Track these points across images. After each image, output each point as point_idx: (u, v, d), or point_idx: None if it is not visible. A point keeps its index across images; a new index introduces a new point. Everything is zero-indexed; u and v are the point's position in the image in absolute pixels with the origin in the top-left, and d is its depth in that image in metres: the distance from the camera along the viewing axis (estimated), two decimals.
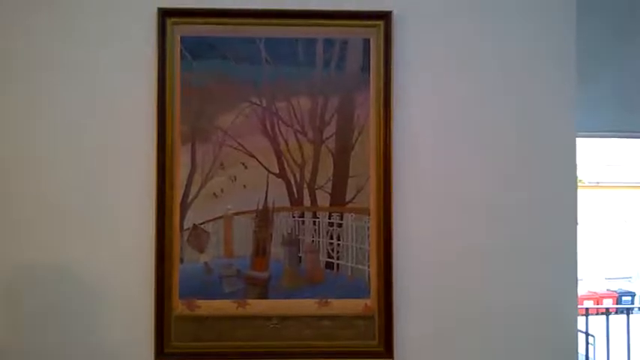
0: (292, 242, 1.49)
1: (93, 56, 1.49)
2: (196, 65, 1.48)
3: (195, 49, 1.48)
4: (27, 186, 1.47)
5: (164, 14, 1.47)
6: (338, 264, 1.49)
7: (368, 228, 1.49)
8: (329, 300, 1.48)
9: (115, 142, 1.48)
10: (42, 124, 1.47)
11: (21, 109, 1.47)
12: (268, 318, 1.47)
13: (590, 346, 4.55)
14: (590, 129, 2.50)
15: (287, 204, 1.49)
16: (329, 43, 1.49)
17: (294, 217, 1.49)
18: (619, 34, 2.49)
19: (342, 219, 1.49)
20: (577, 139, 1.56)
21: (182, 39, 1.48)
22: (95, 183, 1.47)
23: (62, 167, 1.47)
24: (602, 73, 2.50)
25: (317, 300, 1.48)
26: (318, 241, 1.49)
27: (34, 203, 1.46)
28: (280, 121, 1.49)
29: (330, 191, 1.49)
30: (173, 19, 1.47)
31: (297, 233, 1.49)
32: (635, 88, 2.58)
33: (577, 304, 1.58)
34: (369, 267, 1.48)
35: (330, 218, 1.49)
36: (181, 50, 1.47)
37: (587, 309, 4.77)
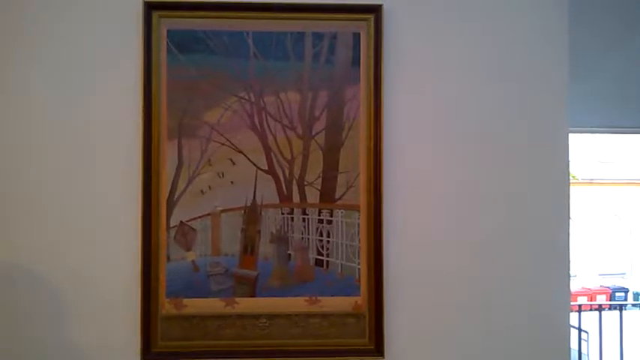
0: (281, 239, 1.46)
1: (78, 51, 1.45)
2: (183, 59, 1.45)
3: (182, 42, 1.45)
4: (9, 184, 1.43)
5: (150, 7, 1.44)
6: (328, 261, 1.47)
7: (358, 225, 1.46)
8: (319, 298, 1.46)
9: (99, 137, 1.45)
10: (25, 121, 1.44)
11: (2, 107, 1.44)
12: (257, 316, 1.45)
13: (583, 341, 4.57)
14: (583, 125, 2.50)
15: (276, 201, 1.46)
16: (318, 36, 1.47)
17: (283, 214, 1.46)
18: (613, 30, 2.49)
19: (331, 216, 1.47)
20: (570, 135, 1.54)
21: (168, 32, 1.45)
22: (79, 180, 1.44)
23: (46, 163, 1.44)
24: (596, 69, 2.49)
25: (306, 298, 1.46)
26: (308, 239, 1.47)
27: (18, 201, 1.43)
28: (269, 116, 1.46)
29: (319, 187, 1.47)
30: (159, 12, 1.44)
31: (286, 230, 1.46)
32: (628, 84, 2.57)
33: (570, 300, 1.57)
34: (359, 264, 1.46)
35: (319, 215, 1.47)
36: (168, 44, 1.44)
37: (580, 305, 4.78)
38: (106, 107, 1.45)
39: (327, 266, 1.47)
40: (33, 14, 1.45)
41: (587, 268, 14.60)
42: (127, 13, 1.45)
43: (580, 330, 4.47)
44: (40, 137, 1.44)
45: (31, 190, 1.44)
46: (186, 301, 1.43)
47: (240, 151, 1.45)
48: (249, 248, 1.46)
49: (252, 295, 1.45)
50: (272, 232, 1.46)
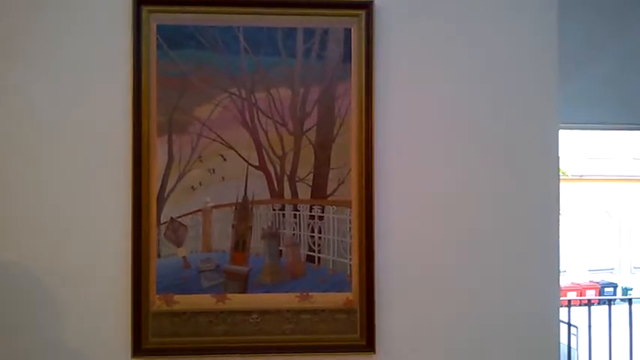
0: (272, 235, 1.46)
1: (66, 46, 1.44)
2: (173, 55, 1.44)
3: (172, 38, 1.44)
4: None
5: (139, 2, 1.42)
6: (319, 257, 1.47)
7: (350, 221, 1.46)
8: (310, 294, 1.46)
9: (89, 134, 1.44)
10: (15, 119, 1.43)
11: None
12: (248, 313, 1.45)
13: (572, 336, 4.61)
14: (573, 121, 2.51)
15: (267, 196, 1.46)
16: (309, 32, 1.46)
17: (274, 210, 1.46)
18: (604, 26, 2.50)
19: (323, 212, 1.47)
20: (560, 131, 1.55)
21: (158, 28, 1.43)
22: (69, 176, 1.43)
23: (34, 160, 1.43)
24: (586, 65, 2.51)
25: (298, 294, 1.46)
26: (299, 235, 1.47)
27: (7, 199, 1.42)
28: (260, 112, 1.46)
29: (311, 183, 1.47)
30: (149, 7, 1.43)
31: (277, 226, 1.46)
32: (619, 80, 2.59)
33: (559, 295, 1.58)
34: (350, 260, 1.46)
35: (311, 211, 1.47)
36: (157, 39, 1.43)
37: (569, 300, 4.82)
38: (96, 103, 1.44)
39: (319, 262, 1.47)
40: (22, 11, 1.43)
41: (577, 264, 14.73)
42: (116, 8, 1.44)
43: (569, 325, 4.50)
44: (28, 134, 1.43)
45: (20, 188, 1.42)
46: (177, 297, 1.43)
47: (231, 147, 1.45)
48: (240, 244, 1.45)
49: (244, 291, 1.45)
50: (263, 228, 1.46)
